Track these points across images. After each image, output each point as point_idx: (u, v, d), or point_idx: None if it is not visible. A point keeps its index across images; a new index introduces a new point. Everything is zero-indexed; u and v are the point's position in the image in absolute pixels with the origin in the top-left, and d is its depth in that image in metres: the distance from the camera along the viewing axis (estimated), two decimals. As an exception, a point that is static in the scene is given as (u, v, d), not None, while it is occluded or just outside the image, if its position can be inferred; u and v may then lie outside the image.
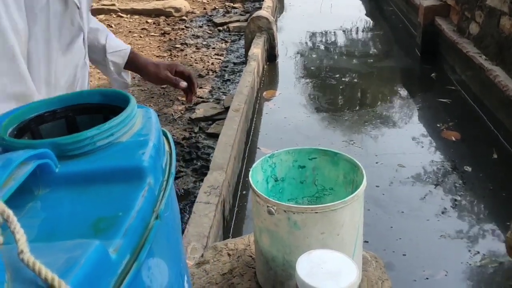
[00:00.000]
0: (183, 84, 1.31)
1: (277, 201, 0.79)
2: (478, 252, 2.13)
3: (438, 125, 3.27)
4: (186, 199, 2.62)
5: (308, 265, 0.70)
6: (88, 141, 0.45)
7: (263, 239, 0.85)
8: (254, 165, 0.90)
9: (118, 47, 1.26)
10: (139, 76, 1.39)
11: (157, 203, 0.43)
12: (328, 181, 0.95)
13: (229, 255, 1.03)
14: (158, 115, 0.99)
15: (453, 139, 3.08)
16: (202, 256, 1.05)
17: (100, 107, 0.56)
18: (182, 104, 3.64)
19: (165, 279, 0.44)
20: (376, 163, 2.86)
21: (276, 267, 0.84)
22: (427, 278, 1.99)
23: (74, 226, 0.38)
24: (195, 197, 2.17)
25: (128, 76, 1.31)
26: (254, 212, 0.87)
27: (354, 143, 3.11)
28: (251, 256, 0.99)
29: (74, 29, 0.98)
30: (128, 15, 6.04)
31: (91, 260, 0.33)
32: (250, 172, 0.88)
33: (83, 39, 1.04)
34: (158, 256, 0.43)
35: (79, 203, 0.41)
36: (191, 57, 4.69)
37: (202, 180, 2.30)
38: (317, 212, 0.77)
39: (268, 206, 0.80)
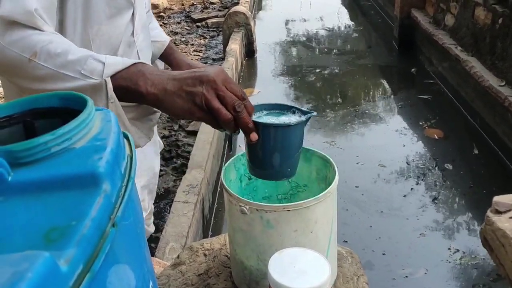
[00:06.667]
0: None
1: (249, 200, 0.79)
2: (458, 250, 2.13)
3: (421, 123, 3.27)
4: (167, 198, 2.60)
5: (280, 264, 0.69)
6: (42, 148, 0.43)
7: (237, 239, 0.85)
8: (226, 164, 0.90)
9: (157, 36, 1.25)
10: None
11: (114, 210, 0.41)
12: (302, 178, 0.95)
13: (205, 255, 1.02)
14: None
15: (436, 137, 3.08)
16: (178, 257, 1.04)
17: (59, 111, 0.54)
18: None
19: (126, 286, 0.43)
20: (357, 163, 2.85)
21: (251, 266, 0.83)
22: (406, 277, 1.99)
23: (25, 237, 0.37)
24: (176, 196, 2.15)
25: (161, 65, 1.29)
26: (227, 212, 0.86)
27: (335, 144, 3.10)
28: (227, 256, 0.98)
29: (123, 2, 0.98)
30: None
31: (39, 274, 0.31)
32: (223, 171, 0.87)
33: (132, 14, 1.02)
34: (117, 263, 0.42)
35: (32, 213, 0.40)
36: (170, 54, 4.65)
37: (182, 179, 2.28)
38: (289, 210, 0.77)
39: (240, 206, 0.79)
